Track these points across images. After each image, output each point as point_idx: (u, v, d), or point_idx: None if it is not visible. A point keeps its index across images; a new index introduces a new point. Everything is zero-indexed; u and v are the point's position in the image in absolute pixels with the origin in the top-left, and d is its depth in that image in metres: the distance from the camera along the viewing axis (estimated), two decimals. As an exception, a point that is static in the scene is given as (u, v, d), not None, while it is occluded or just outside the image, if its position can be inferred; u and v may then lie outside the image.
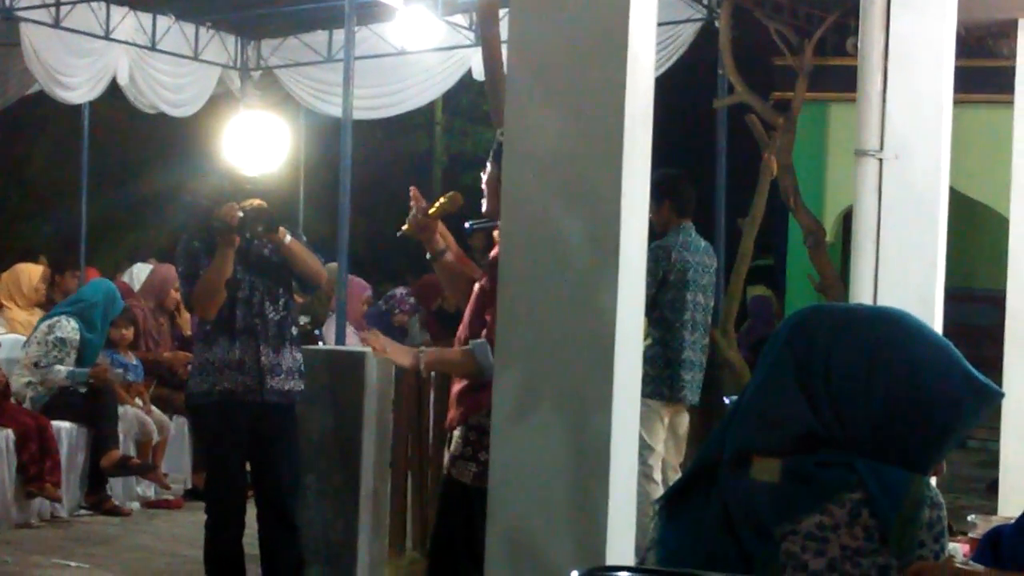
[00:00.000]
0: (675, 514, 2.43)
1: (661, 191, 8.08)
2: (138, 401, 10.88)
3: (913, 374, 2.29)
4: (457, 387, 5.67)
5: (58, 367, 10.11)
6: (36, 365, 10.20)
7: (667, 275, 8.17)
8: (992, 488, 9.81)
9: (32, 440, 9.55)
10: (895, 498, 2.25)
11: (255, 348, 6.85)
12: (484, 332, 5.45)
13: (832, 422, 2.30)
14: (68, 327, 10.30)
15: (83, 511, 10.22)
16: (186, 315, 11.43)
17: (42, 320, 10.60)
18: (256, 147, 8.01)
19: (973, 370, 2.32)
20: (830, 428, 2.30)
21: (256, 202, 6.82)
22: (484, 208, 5.75)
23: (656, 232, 7.98)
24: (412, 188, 6.10)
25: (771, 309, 16.71)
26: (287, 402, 6.95)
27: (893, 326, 2.36)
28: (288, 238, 6.88)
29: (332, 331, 12.39)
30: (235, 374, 6.82)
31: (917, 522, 2.25)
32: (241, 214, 6.73)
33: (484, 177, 5.76)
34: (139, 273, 12.69)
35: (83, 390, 10.22)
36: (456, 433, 5.63)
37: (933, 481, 2.35)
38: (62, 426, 9.96)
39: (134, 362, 10.91)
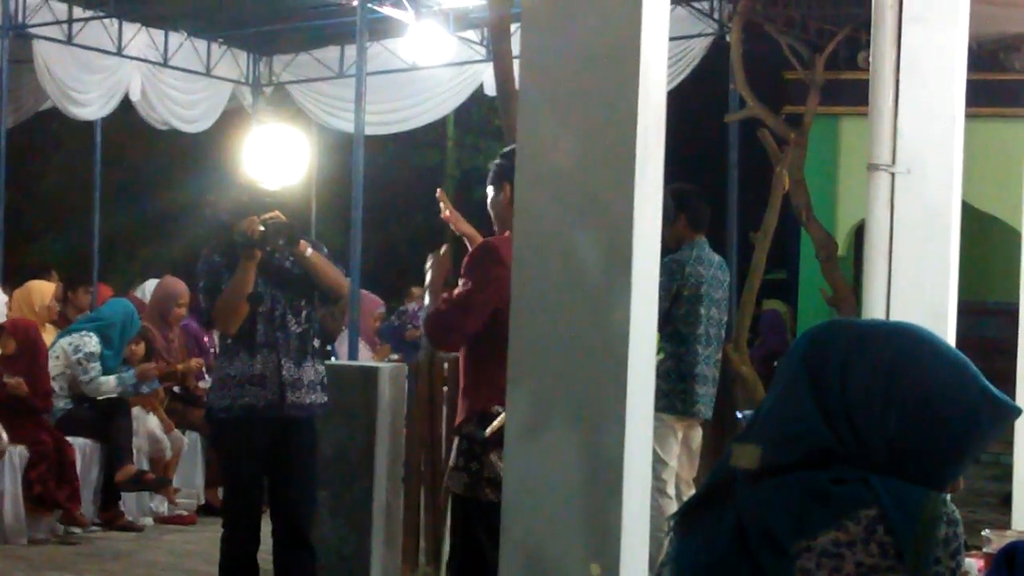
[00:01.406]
0: (689, 530, 2.43)
1: (676, 205, 8.10)
2: (151, 417, 10.89)
3: (930, 390, 2.29)
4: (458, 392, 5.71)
5: (103, 378, 10.17)
6: (60, 378, 10.24)
7: (681, 289, 8.17)
8: (1006, 502, 9.78)
9: (45, 461, 9.55)
10: (911, 515, 2.24)
11: (276, 362, 6.82)
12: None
13: (848, 438, 2.30)
14: (91, 343, 10.36)
15: (96, 527, 10.23)
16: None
17: (60, 336, 10.63)
18: (274, 160, 8.02)
19: (990, 386, 2.31)
20: (846, 444, 2.30)
21: (277, 215, 6.81)
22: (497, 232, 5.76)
23: (669, 246, 7.98)
24: (439, 191, 6.19)
25: (782, 323, 16.71)
26: (308, 416, 6.91)
27: (909, 341, 2.35)
28: (310, 251, 6.86)
29: (345, 346, 12.42)
30: (256, 389, 6.78)
31: (933, 539, 2.24)
32: (262, 228, 6.72)
33: (488, 202, 5.78)
34: (151, 289, 12.74)
35: (136, 393, 10.31)
36: (454, 443, 5.66)
37: (949, 497, 2.34)
38: (75, 441, 9.97)
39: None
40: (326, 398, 6.99)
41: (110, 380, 10.20)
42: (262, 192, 7.15)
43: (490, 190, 5.78)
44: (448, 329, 5.66)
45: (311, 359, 6.94)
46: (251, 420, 6.78)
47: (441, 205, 6.09)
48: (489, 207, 5.79)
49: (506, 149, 5.91)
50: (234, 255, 6.81)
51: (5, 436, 9.37)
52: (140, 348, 10.89)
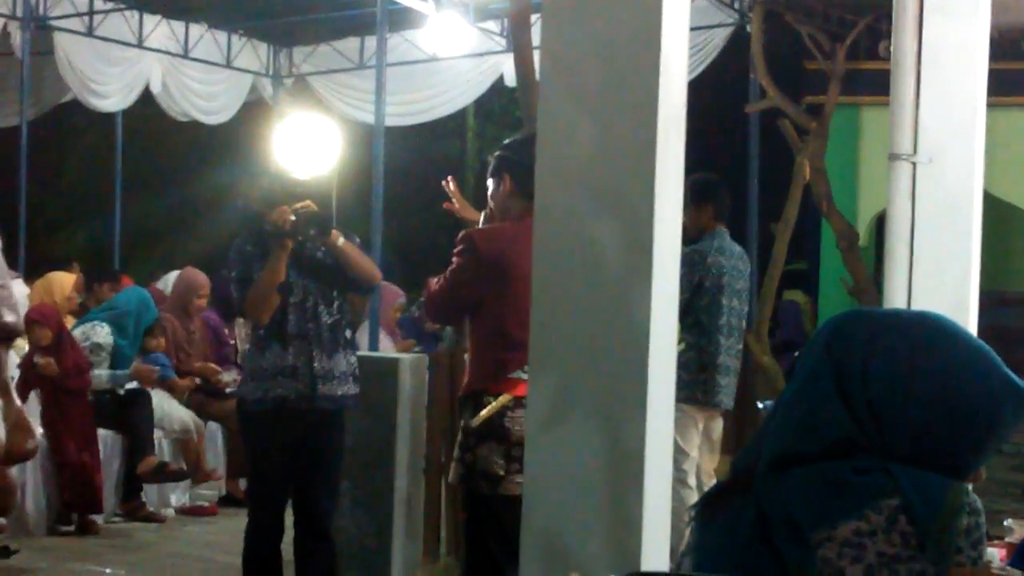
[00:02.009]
0: (710, 520, 2.43)
1: (704, 195, 8.12)
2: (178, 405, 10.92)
3: (952, 379, 2.29)
4: None
5: (97, 372, 10.16)
6: None
7: (703, 280, 8.15)
8: (1028, 492, 9.78)
9: (68, 468, 9.57)
10: (933, 504, 2.24)
11: (308, 353, 6.77)
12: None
13: (870, 427, 2.29)
14: (102, 332, 10.36)
15: (118, 518, 10.26)
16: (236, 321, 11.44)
17: (75, 326, 10.65)
18: (304, 150, 8.02)
19: (1013, 375, 2.31)
20: (868, 433, 2.30)
21: (308, 204, 6.77)
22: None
23: (688, 236, 7.98)
24: (448, 179, 6.25)
25: (800, 314, 16.69)
26: (338, 408, 6.88)
27: (931, 330, 2.35)
28: (341, 240, 6.81)
29: (365, 337, 12.42)
30: (288, 381, 6.74)
31: (955, 528, 2.24)
32: (293, 217, 6.68)
33: (489, 193, 5.80)
34: (173, 280, 12.76)
35: (122, 392, 10.28)
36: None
37: (971, 487, 2.34)
38: (97, 432, 10.00)
39: (166, 362, 10.94)
40: (357, 389, 6.94)
41: (102, 375, 10.19)
42: (293, 181, 7.10)
43: (490, 182, 5.81)
44: (436, 307, 6.03)
45: (343, 350, 6.89)
46: (282, 412, 6.73)
47: (449, 192, 6.21)
48: (489, 198, 5.82)
49: (508, 140, 5.96)
50: (266, 245, 6.76)
51: (39, 432, 9.39)
52: (161, 342, 10.89)
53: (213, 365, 11.43)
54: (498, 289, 5.53)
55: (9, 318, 1.15)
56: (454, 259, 5.74)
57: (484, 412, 5.49)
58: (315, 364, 6.76)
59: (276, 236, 6.70)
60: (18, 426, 1.13)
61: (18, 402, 1.14)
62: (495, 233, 5.70)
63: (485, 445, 5.54)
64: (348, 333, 7.00)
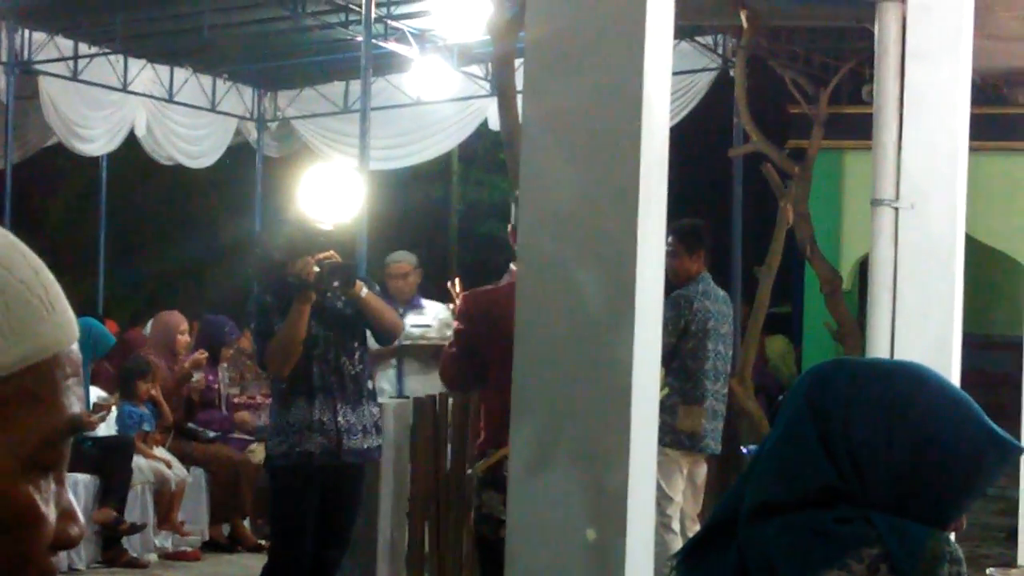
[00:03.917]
0: (693, 568, 2.42)
1: (697, 242, 8.16)
2: (158, 451, 10.86)
3: (932, 429, 2.28)
4: None
5: None
6: None
7: (689, 324, 8.17)
8: (1011, 537, 9.76)
9: None
10: (914, 553, 2.23)
11: (333, 407, 6.65)
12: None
13: (851, 476, 2.29)
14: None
15: (99, 564, 10.19)
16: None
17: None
18: (327, 199, 7.89)
19: (994, 425, 2.30)
20: (849, 482, 2.29)
21: (332, 255, 6.61)
22: None
23: (670, 281, 7.99)
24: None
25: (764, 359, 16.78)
26: (362, 461, 6.78)
27: (912, 380, 2.34)
28: (365, 291, 6.70)
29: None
30: (315, 435, 6.62)
31: (936, 578, 2.23)
32: (317, 269, 6.53)
33: (509, 228, 5.85)
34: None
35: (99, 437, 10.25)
36: None
37: (953, 536, 2.33)
38: (75, 477, 9.93)
39: (147, 412, 10.89)
40: (380, 440, 6.88)
41: None
42: (316, 231, 6.92)
43: (510, 226, 5.90)
44: (449, 375, 6.12)
45: (367, 402, 6.78)
46: (308, 468, 6.64)
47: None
48: (509, 233, 5.92)
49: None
50: (286, 295, 6.60)
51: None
52: (149, 387, 10.81)
53: (201, 352, 11.27)
54: (500, 349, 5.59)
55: (77, 408, 1.16)
56: (457, 322, 5.96)
57: (481, 463, 5.73)
58: (339, 418, 6.63)
59: (299, 288, 6.51)
60: (66, 514, 1.15)
61: (69, 492, 1.17)
62: (488, 294, 5.87)
63: (487, 492, 5.72)
64: (370, 384, 6.91)
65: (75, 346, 1.16)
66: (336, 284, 6.54)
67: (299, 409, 6.62)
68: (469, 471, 5.75)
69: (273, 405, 6.87)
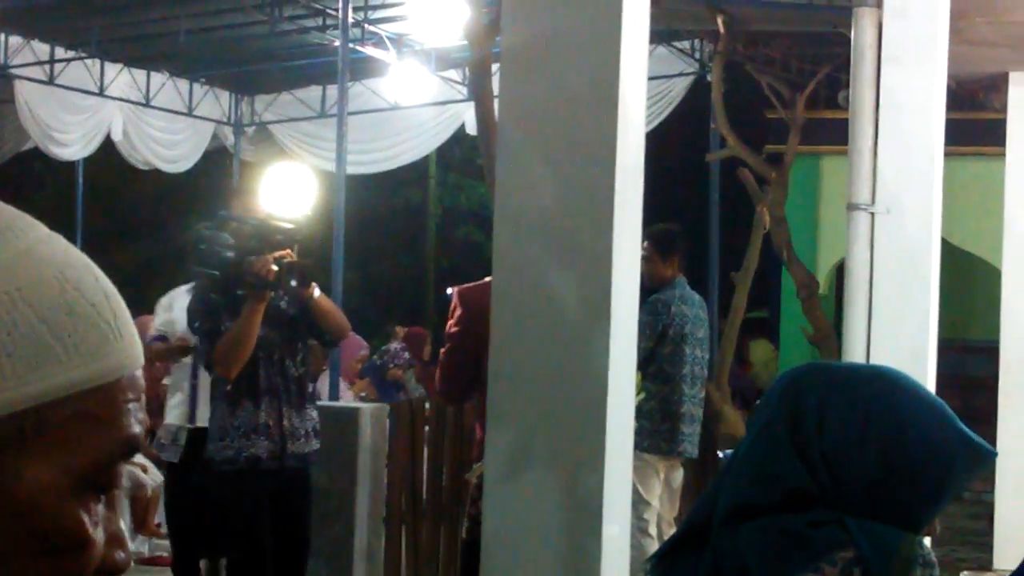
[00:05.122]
0: (667, 571, 2.42)
1: (672, 247, 8.17)
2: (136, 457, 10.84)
3: (906, 433, 2.29)
4: None
5: None
6: None
7: (667, 329, 8.17)
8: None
9: None
10: (887, 557, 2.23)
11: (278, 410, 6.48)
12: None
13: (825, 480, 2.29)
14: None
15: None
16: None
17: None
18: (284, 197, 7.79)
19: (967, 430, 2.30)
20: (823, 486, 2.29)
21: (288, 254, 6.42)
22: None
23: (645, 286, 8.00)
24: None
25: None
26: (305, 466, 6.65)
27: (886, 385, 2.35)
28: (317, 292, 6.54)
29: (326, 387, 12.38)
30: (261, 439, 6.44)
31: (909, 581, 2.24)
32: (276, 268, 6.33)
33: None
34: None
35: None
36: None
37: (927, 540, 2.33)
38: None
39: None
40: (319, 445, 6.73)
41: None
42: (273, 228, 6.67)
43: None
44: (443, 380, 6.18)
45: (309, 405, 6.62)
46: (253, 472, 6.46)
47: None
48: None
49: None
50: (233, 294, 6.39)
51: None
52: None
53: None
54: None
55: (136, 429, 1.16)
56: (448, 326, 5.90)
57: (478, 466, 5.55)
58: (284, 422, 6.46)
59: (258, 287, 6.31)
60: (114, 539, 1.15)
61: (120, 519, 1.17)
62: (481, 288, 5.71)
63: (481, 500, 5.64)
64: (311, 387, 6.79)
65: (139, 372, 1.16)
66: (293, 284, 6.38)
67: (245, 412, 6.41)
68: (467, 475, 5.66)
69: (216, 406, 6.61)
